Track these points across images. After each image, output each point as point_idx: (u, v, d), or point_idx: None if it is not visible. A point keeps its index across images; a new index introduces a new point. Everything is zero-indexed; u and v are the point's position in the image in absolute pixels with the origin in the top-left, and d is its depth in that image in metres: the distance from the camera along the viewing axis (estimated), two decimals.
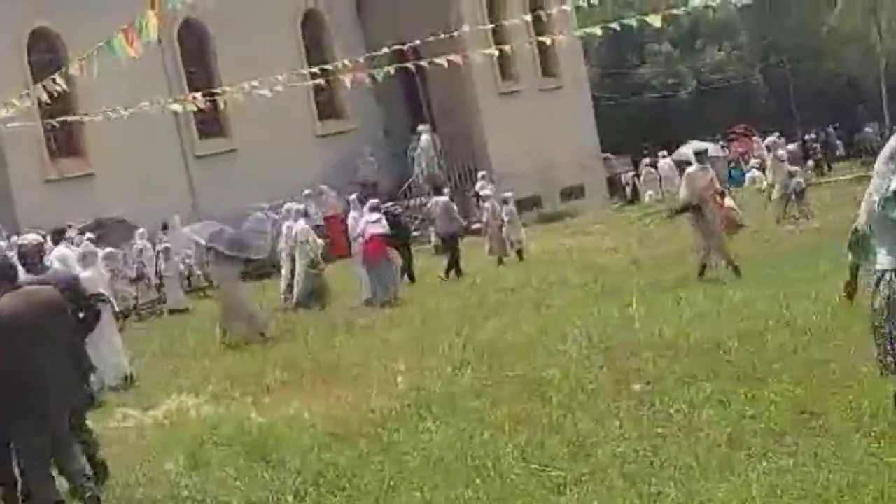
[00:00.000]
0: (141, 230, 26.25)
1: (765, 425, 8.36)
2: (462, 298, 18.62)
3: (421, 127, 32.78)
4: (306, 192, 30.64)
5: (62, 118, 20.81)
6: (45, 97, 14.63)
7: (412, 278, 22.44)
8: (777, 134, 36.74)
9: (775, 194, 24.73)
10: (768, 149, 29.30)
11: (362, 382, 12.44)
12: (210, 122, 32.61)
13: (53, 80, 14.40)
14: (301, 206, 22.50)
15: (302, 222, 20.83)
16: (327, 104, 34.87)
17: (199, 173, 31.98)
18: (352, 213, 22.62)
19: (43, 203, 27.21)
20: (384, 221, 20.19)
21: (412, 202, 31.78)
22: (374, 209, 20.46)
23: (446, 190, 24.97)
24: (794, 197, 24.15)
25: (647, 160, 41.63)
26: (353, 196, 23.38)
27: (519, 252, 24.29)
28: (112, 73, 13.21)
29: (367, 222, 19.97)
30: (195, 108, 18.45)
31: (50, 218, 25.22)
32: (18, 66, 28.01)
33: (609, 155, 42.77)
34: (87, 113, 21.40)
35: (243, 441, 10.26)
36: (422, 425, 9.86)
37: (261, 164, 31.91)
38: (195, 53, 32.72)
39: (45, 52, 29.09)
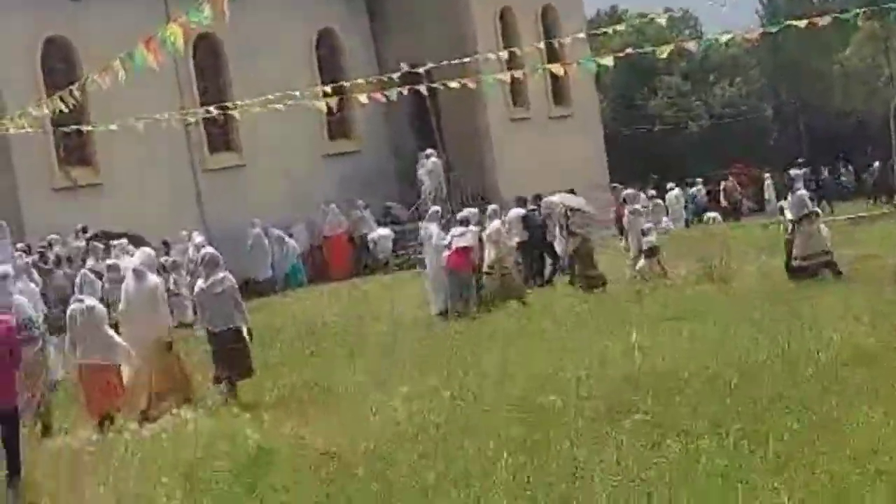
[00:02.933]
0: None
1: (761, 460, 8.35)
2: (469, 327, 18.60)
3: (429, 150, 32.78)
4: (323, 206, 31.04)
5: (74, 127, 20.81)
6: (61, 107, 14.67)
7: (549, 280, 23.78)
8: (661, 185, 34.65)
9: (632, 252, 22.99)
10: (625, 201, 25.98)
11: (362, 407, 12.43)
12: (220, 137, 32.70)
13: (70, 92, 14.45)
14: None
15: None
16: (338, 123, 34.90)
17: (208, 187, 32.02)
18: (426, 225, 21.81)
19: (49, 212, 27.29)
20: (469, 235, 20.30)
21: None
22: (462, 222, 20.58)
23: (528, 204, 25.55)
24: (643, 255, 22.21)
25: (651, 191, 41.41)
26: (435, 208, 23.12)
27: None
28: (125, 84, 13.27)
29: (454, 236, 20.26)
30: (207, 120, 18.46)
31: (56, 227, 25.33)
32: (31, 74, 28.17)
33: (617, 185, 42.74)
34: (98, 123, 21.42)
35: (239, 463, 10.23)
36: (420, 449, 9.86)
37: (269, 180, 32.02)
38: (209, 69, 32.80)
39: (58, 61, 29.18)
